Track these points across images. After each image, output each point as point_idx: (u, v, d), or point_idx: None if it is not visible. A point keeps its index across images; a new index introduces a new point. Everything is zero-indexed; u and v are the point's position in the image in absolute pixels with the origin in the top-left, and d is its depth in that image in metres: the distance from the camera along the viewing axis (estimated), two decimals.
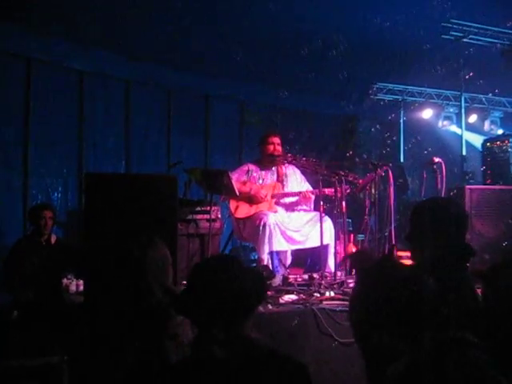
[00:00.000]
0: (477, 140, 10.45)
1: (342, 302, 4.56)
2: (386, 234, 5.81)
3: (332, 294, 4.80)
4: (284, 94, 9.12)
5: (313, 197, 6.10)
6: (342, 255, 5.69)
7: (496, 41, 8.43)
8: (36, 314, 4.52)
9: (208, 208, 5.48)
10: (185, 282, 2.36)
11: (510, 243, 5.84)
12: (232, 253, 7.20)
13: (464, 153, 9.16)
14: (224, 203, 6.21)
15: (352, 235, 6.37)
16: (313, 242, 5.83)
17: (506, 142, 8.40)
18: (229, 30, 7.35)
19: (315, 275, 5.16)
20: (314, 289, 4.86)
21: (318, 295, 4.73)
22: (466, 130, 9.89)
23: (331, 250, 5.79)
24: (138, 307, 2.53)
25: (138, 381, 2.43)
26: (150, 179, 4.67)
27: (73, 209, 7.95)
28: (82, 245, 4.29)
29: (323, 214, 5.53)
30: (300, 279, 5.23)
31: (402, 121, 11.15)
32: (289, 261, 6.13)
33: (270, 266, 5.53)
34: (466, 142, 9.72)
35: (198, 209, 5.61)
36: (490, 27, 8.25)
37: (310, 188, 6.24)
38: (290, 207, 6.20)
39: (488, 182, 8.42)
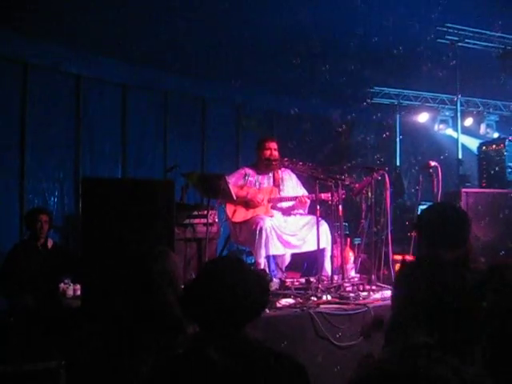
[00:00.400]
0: (473, 143, 10.46)
1: (339, 306, 4.58)
2: (383, 237, 5.83)
3: (329, 297, 4.82)
4: (280, 98, 9.16)
5: (308, 201, 6.12)
6: (339, 260, 5.70)
7: (491, 45, 8.46)
8: (33, 319, 4.52)
9: (205, 212, 5.49)
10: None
11: (507, 249, 5.86)
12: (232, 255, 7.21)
13: (460, 156, 9.19)
14: (221, 207, 6.22)
15: (349, 239, 6.39)
16: (309, 246, 5.84)
17: (502, 145, 8.40)
18: (225, 35, 7.37)
19: (312, 279, 5.17)
20: (311, 292, 4.87)
21: (315, 299, 4.74)
22: (462, 134, 9.92)
23: (328, 254, 5.80)
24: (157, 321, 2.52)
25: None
26: (147, 184, 4.68)
27: (69, 213, 7.94)
28: (81, 250, 4.28)
29: (320, 218, 5.54)
30: (297, 283, 5.24)
31: (398, 124, 11.18)
32: (285, 265, 6.14)
33: (267, 270, 5.53)
34: (462, 145, 9.74)
35: (195, 213, 5.63)
36: (485, 31, 8.28)
37: (306, 193, 6.25)
38: (286, 212, 6.21)
39: (484, 185, 8.43)
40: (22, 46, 7.35)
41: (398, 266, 5.08)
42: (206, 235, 5.34)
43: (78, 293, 4.93)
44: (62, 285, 5.31)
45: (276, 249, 5.75)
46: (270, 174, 6.29)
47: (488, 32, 8.29)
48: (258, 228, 5.64)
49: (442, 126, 10.92)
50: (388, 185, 5.73)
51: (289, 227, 5.93)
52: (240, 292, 1.92)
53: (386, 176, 5.72)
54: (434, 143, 10.91)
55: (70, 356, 3.56)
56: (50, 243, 5.74)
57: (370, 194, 5.72)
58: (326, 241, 5.77)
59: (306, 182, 6.38)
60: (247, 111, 10.10)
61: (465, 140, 10.53)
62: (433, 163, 5.75)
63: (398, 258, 5.85)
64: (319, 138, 10.02)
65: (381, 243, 5.71)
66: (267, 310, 4.33)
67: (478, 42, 8.43)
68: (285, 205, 6.21)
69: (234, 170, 6.73)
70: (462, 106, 10.02)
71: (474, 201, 5.91)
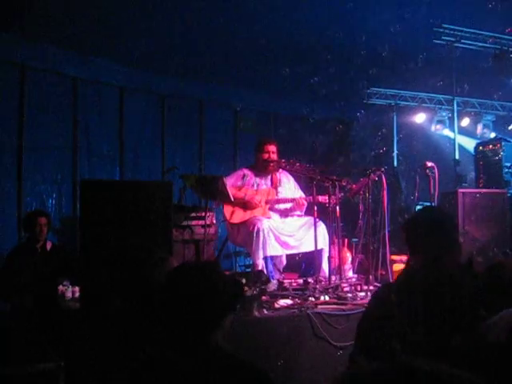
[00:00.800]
0: (470, 144, 10.49)
1: (337, 306, 4.60)
2: (380, 237, 5.85)
3: (327, 298, 4.83)
4: (278, 100, 9.16)
5: (306, 203, 6.13)
6: (337, 260, 5.72)
7: (487, 45, 8.49)
8: (32, 321, 4.52)
9: (203, 214, 5.51)
10: None
11: (504, 249, 5.87)
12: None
13: (457, 156, 9.21)
14: (218, 208, 6.24)
15: (346, 239, 6.41)
16: (307, 247, 5.86)
17: (498, 145, 8.44)
18: (223, 37, 7.39)
19: (310, 280, 5.19)
20: (308, 293, 4.88)
21: (313, 299, 4.76)
22: (459, 134, 9.95)
23: (325, 255, 5.82)
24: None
25: None
26: (145, 186, 4.69)
27: (67, 215, 7.95)
28: (79, 252, 4.29)
29: (317, 219, 5.56)
30: (295, 284, 5.26)
31: (395, 125, 11.19)
32: (283, 265, 6.16)
33: (265, 271, 5.55)
34: (459, 145, 9.78)
35: (193, 215, 5.64)
36: (481, 32, 8.32)
37: (303, 195, 6.27)
38: (283, 213, 6.23)
39: (481, 185, 8.46)
40: (19, 49, 7.35)
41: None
42: (204, 237, 5.36)
43: (77, 295, 4.93)
44: (60, 287, 5.31)
45: (274, 250, 5.77)
46: (268, 176, 6.31)
47: (484, 32, 8.32)
48: (256, 229, 5.66)
49: (438, 127, 10.94)
50: (385, 185, 5.74)
51: (286, 228, 5.95)
52: (203, 300, 1.96)
53: (383, 177, 5.74)
54: (430, 144, 10.93)
55: (68, 358, 3.56)
56: (48, 245, 5.75)
57: (367, 194, 5.74)
58: (323, 241, 5.79)
59: (303, 184, 6.40)
60: (245, 113, 10.12)
61: (462, 140, 10.56)
62: (429, 164, 5.77)
63: (396, 258, 5.87)
64: (316, 139, 10.04)
65: (378, 243, 5.73)
66: (265, 311, 4.35)
67: (474, 43, 8.47)
68: (282, 206, 6.24)
69: (231, 171, 6.76)
70: (458, 106, 10.05)
71: (470, 201, 5.92)
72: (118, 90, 8.71)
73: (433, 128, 10.97)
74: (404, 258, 5.41)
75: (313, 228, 5.48)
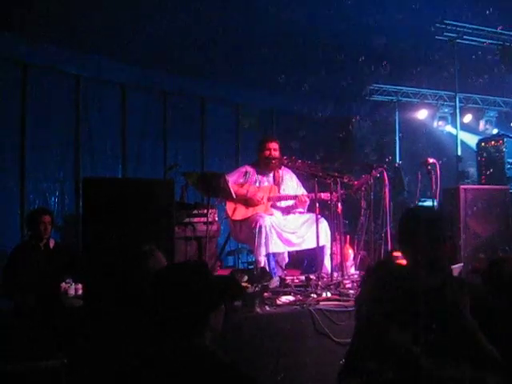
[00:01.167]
0: (472, 140, 10.49)
1: (339, 303, 4.60)
2: (383, 234, 5.86)
3: (329, 294, 4.83)
4: (279, 97, 9.16)
5: (308, 200, 6.13)
6: (339, 257, 5.72)
7: (490, 41, 8.47)
8: (35, 318, 4.54)
9: (205, 211, 5.51)
10: None
11: (506, 246, 5.86)
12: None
13: (459, 153, 9.20)
14: (221, 205, 6.24)
15: (348, 236, 6.41)
16: (309, 244, 5.86)
17: (501, 141, 8.44)
18: (225, 34, 7.38)
19: (312, 276, 5.19)
20: (310, 290, 4.89)
21: (315, 296, 4.76)
22: (461, 130, 9.94)
23: (327, 251, 5.82)
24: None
25: None
26: (147, 183, 4.70)
27: (70, 213, 7.96)
28: (81, 250, 4.30)
29: (319, 216, 5.56)
30: (297, 280, 5.27)
31: (397, 122, 11.19)
32: (285, 262, 6.17)
33: (267, 268, 5.56)
34: (461, 141, 9.76)
35: (195, 212, 5.64)
36: (483, 28, 8.29)
37: (306, 193, 6.27)
38: (285, 210, 6.23)
39: (483, 181, 8.45)
40: (21, 47, 7.37)
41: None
42: (207, 234, 5.36)
43: (80, 292, 4.95)
44: (63, 284, 5.33)
45: (276, 247, 5.77)
46: (271, 173, 6.31)
47: (486, 28, 8.30)
48: (258, 226, 5.66)
49: (441, 123, 10.95)
50: (387, 182, 5.74)
51: (288, 225, 5.96)
52: (183, 299, 1.96)
53: (385, 173, 5.74)
54: (433, 140, 10.92)
55: (71, 355, 3.58)
56: (51, 243, 5.75)
57: (369, 191, 5.73)
58: (325, 238, 5.79)
59: (305, 181, 6.40)
60: (247, 110, 10.12)
61: (464, 136, 10.55)
62: (431, 160, 5.76)
63: (398, 254, 5.86)
64: (318, 136, 10.04)
65: (380, 240, 5.73)
66: (267, 308, 4.36)
67: (476, 39, 8.45)
68: (284, 204, 6.24)
69: (233, 168, 6.75)
70: (460, 102, 10.04)
71: (472, 197, 5.90)
72: (120, 87, 8.73)
73: (435, 124, 10.98)
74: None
75: (315, 225, 5.48)
